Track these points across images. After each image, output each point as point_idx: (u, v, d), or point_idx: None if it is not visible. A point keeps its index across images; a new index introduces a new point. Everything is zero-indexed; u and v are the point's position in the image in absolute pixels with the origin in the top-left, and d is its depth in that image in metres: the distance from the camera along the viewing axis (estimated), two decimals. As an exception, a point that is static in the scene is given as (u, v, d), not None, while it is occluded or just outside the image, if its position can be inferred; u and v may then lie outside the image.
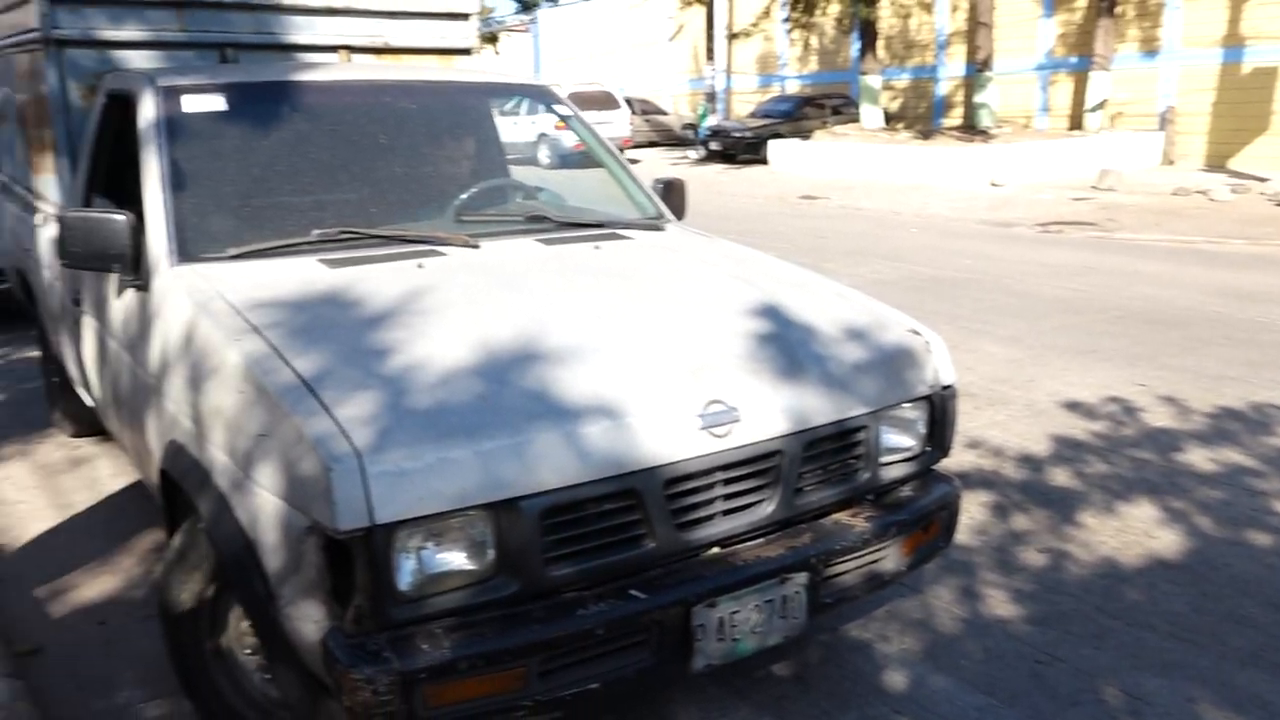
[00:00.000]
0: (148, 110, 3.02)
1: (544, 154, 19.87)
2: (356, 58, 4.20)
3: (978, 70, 20.01)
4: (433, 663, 1.91)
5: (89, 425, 4.78)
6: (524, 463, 2.00)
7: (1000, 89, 20.53)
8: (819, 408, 2.36)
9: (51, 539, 3.85)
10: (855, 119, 22.57)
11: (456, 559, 1.99)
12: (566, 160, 17.12)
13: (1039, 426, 4.96)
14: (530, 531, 2.01)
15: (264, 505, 2.02)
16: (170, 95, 3.04)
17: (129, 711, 2.76)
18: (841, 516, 2.48)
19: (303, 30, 4.10)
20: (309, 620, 2.00)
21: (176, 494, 2.63)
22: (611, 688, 2.13)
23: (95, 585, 3.46)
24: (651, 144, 27.29)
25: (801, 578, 2.31)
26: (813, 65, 27.65)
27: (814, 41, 27.07)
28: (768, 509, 2.31)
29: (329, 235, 2.85)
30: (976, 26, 19.92)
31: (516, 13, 30.70)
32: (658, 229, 3.38)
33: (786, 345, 2.49)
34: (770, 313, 2.62)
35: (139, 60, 3.84)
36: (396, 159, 3.30)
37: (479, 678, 1.97)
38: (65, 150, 3.76)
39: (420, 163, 3.37)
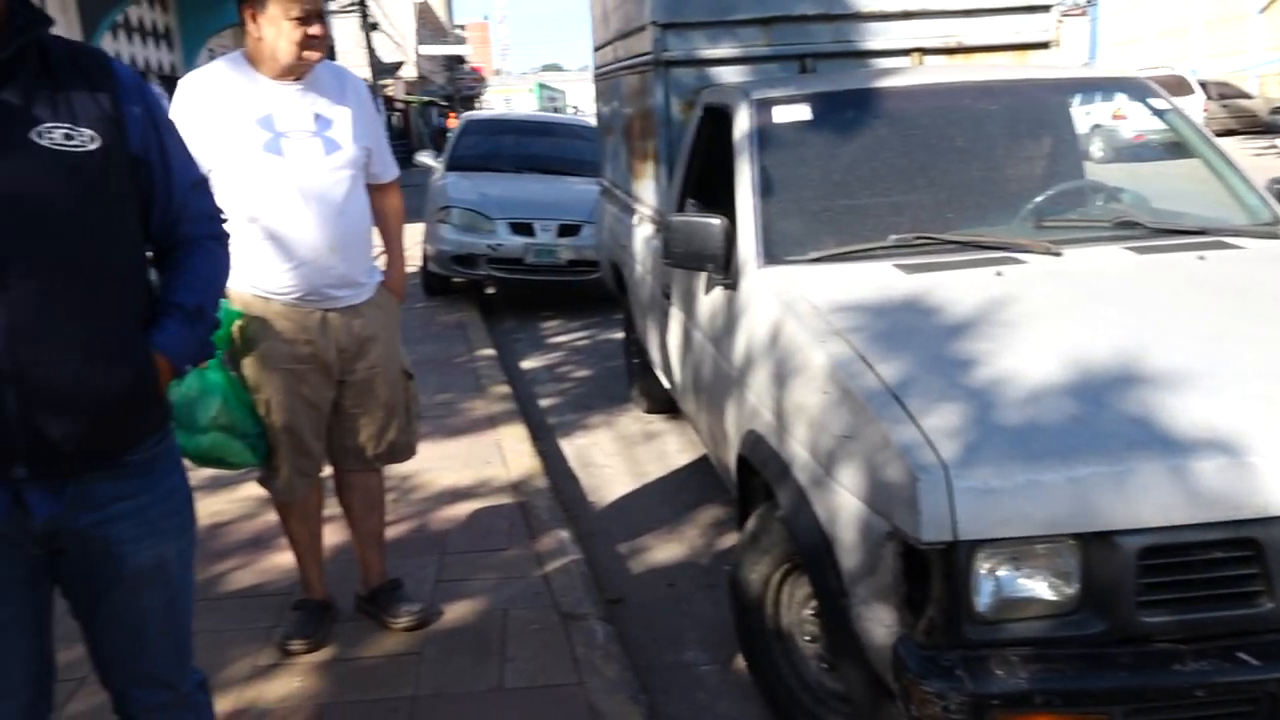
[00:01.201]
0: (742, 122, 3.27)
1: (1097, 147, 18.33)
2: (928, 59, 4.17)
3: None
4: (1008, 690, 1.84)
5: (661, 404, 5.36)
6: (1123, 495, 1.84)
7: None
8: None
9: (630, 502, 4.37)
10: None
11: (1038, 587, 1.90)
12: (1123, 154, 15.66)
13: None
14: (1124, 570, 1.84)
15: (844, 504, 2.09)
16: (763, 107, 3.26)
17: (693, 670, 3.03)
18: None
19: (877, 36, 4.16)
20: (879, 623, 2.03)
21: (750, 480, 2.83)
22: (1200, 756, 1.89)
23: (665, 549, 3.86)
24: (1230, 132, 23.89)
25: None
26: None
27: None
28: None
29: (904, 240, 2.87)
30: None
31: (1074, -5, 28.71)
32: (1276, 237, 2.93)
33: None
34: None
35: (728, 75, 4.18)
36: (972, 161, 3.22)
37: (1054, 715, 1.86)
38: (664, 159, 4.22)
39: (996, 165, 3.26)
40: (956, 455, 1.89)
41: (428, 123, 39.27)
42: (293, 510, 2.96)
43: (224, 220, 1.81)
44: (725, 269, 3.00)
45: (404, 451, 3.04)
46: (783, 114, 3.24)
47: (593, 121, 12.25)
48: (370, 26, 27.04)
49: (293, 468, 2.81)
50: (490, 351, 6.79)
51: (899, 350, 2.27)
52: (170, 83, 12.46)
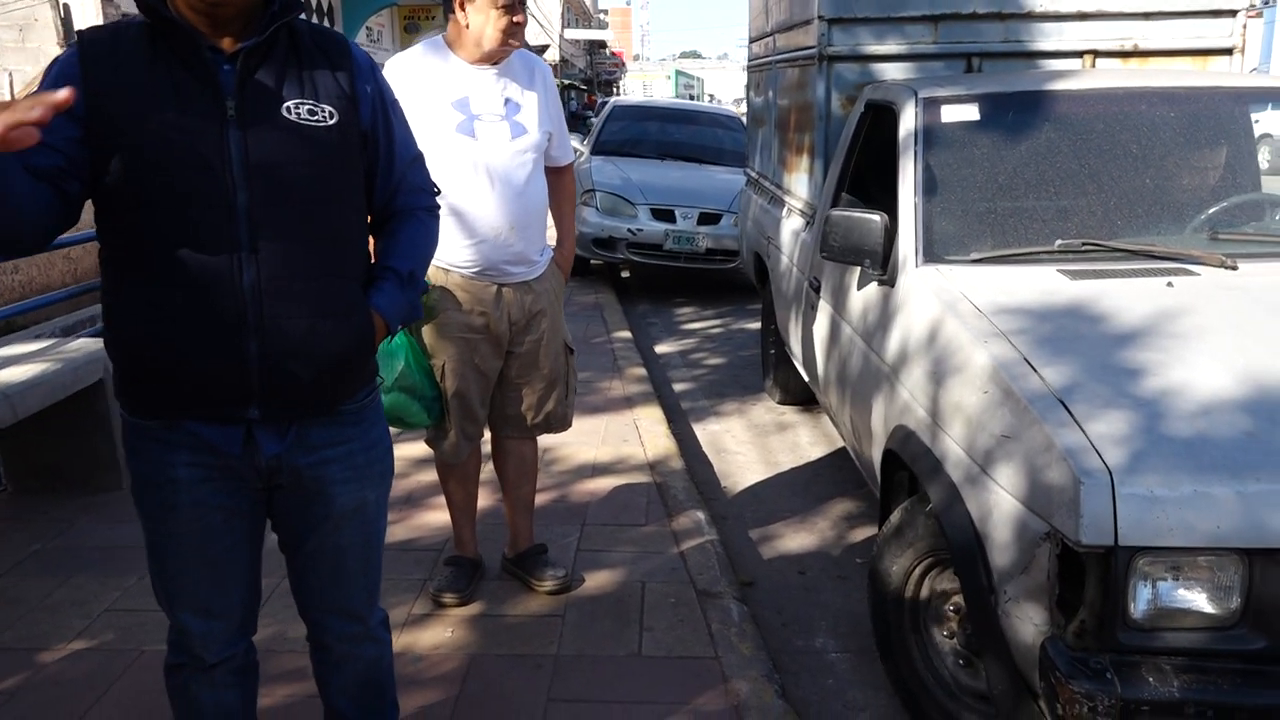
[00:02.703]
0: (908, 119, 3.28)
1: (1264, 157, 17.37)
2: (1101, 62, 4.08)
3: None
4: (1158, 698, 1.84)
5: (796, 396, 5.41)
6: (1296, 514, 1.82)
7: None
8: None
9: (762, 489, 4.43)
10: None
11: (1197, 599, 1.89)
12: (1294, 164, 14.81)
13: None
14: (1291, 590, 1.82)
15: (999, 503, 2.11)
16: (931, 106, 3.27)
17: (822, 656, 3.09)
18: None
19: (1048, 36, 4.10)
20: (1028, 621, 2.05)
21: (894, 474, 2.87)
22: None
23: (796, 538, 3.92)
24: None
25: None
26: None
27: None
28: None
29: (1071, 246, 2.85)
30: None
31: (1251, -3, 27.08)
32: None
33: None
34: None
35: (891, 71, 4.18)
36: (1144, 169, 3.16)
37: (1205, 729, 1.85)
38: (821, 153, 4.25)
39: (1169, 174, 3.19)
40: (1122, 462, 1.90)
41: (567, 105, 39.87)
42: (453, 471, 3.13)
43: (436, 194, 1.96)
44: (883, 265, 3.03)
45: (560, 423, 3.18)
46: (951, 113, 3.24)
47: (733, 110, 12.33)
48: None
49: (460, 431, 2.98)
50: (626, 334, 6.93)
51: (1064, 355, 2.27)
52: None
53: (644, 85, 67.79)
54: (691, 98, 67.10)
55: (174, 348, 1.62)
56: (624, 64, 63.87)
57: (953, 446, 2.36)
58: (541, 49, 32.83)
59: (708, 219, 8.45)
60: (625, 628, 2.98)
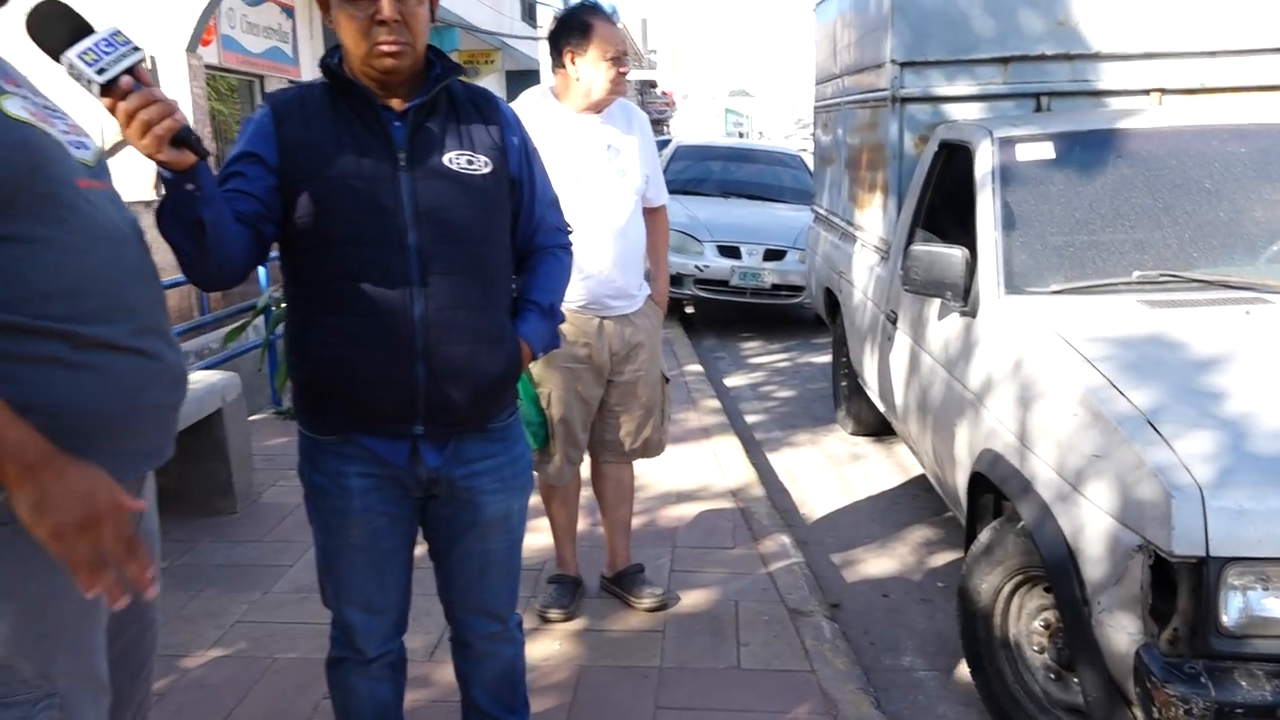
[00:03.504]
0: (984, 158, 3.44)
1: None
2: (1169, 99, 4.21)
3: None
4: (1252, 701, 1.96)
5: (869, 427, 5.53)
6: (1380, 526, 1.93)
7: None
8: None
9: (840, 517, 4.56)
10: None
11: (1286, 607, 2.01)
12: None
13: None
14: (1378, 599, 1.93)
15: (1091, 518, 2.25)
16: (1006, 145, 3.43)
17: (911, 674, 3.21)
18: None
19: (1116, 76, 4.24)
20: (1122, 631, 2.17)
21: (981, 496, 3.00)
22: None
23: (877, 563, 4.04)
24: None
25: None
26: None
27: None
28: None
29: (1149, 277, 2.98)
30: None
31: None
32: None
33: None
34: None
35: (961, 112, 4.35)
36: (1217, 203, 3.28)
37: (1296, 731, 1.96)
38: (894, 191, 4.42)
39: (1241, 207, 3.30)
40: (1211, 477, 2.02)
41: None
42: (556, 493, 3.32)
43: (569, 233, 2.17)
44: (964, 297, 3.18)
45: (656, 448, 3.36)
46: (1026, 152, 3.39)
47: (793, 149, 12.54)
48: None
49: (563, 455, 3.18)
50: (698, 368, 7.11)
51: (1149, 379, 2.40)
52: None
53: (694, 123, 68.43)
54: (741, 135, 67.61)
55: (353, 371, 1.83)
56: (674, 103, 64.56)
57: (1042, 467, 2.50)
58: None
59: (773, 255, 8.64)
60: (723, 642, 3.13)
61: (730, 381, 7.20)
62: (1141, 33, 4.22)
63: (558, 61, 2.99)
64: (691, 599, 3.43)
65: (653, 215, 3.28)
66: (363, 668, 2.07)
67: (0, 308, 1.34)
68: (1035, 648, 2.72)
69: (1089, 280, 3.04)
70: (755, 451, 5.43)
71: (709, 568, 3.69)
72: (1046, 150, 3.42)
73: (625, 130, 3.09)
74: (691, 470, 4.79)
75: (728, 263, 8.60)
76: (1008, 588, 2.73)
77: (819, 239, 6.30)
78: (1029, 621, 2.73)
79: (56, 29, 1.44)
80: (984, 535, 2.81)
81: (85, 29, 1.44)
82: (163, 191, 1.60)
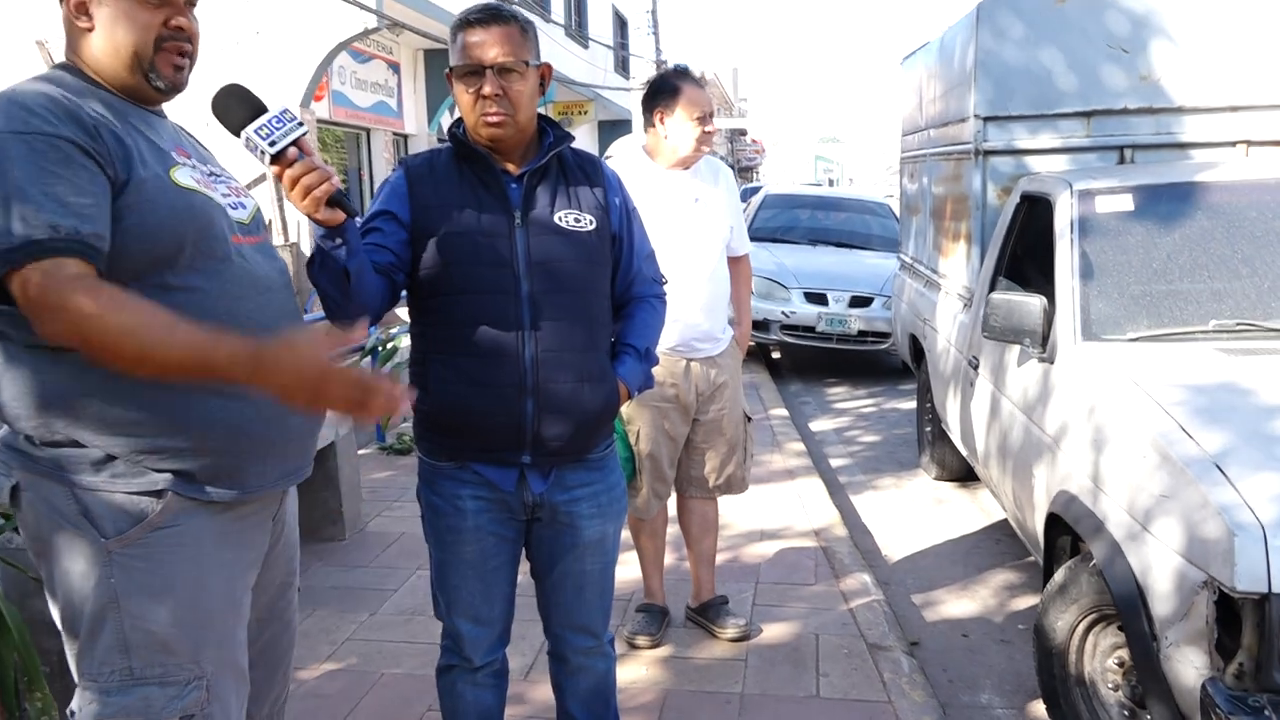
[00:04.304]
0: (1064, 210, 3.56)
1: None
2: (1255, 151, 4.25)
3: None
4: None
5: (952, 472, 5.60)
6: None
7: None
8: None
9: (921, 559, 4.64)
10: None
11: (1355, 645, 2.07)
12: None
13: None
14: None
15: (1159, 556, 2.34)
16: (1085, 197, 3.54)
17: (989, 711, 3.28)
18: None
19: (1201, 129, 4.30)
20: (1189, 664, 2.25)
21: (1058, 537, 3.09)
22: None
23: (958, 604, 4.11)
24: None
25: None
26: None
27: None
28: None
29: (1225, 326, 3.06)
30: None
31: None
32: None
33: None
34: None
35: (1044, 164, 4.45)
36: (1297, 254, 3.33)
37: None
38: (977, 240, 4.54)
39: (1323, 258, 3.35)
40: (1273, 517, 2.11)
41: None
42: (644, 526, 3.51)
43: (664, 284, 2.37)
44: (1042, 344, 3.29)
45: (739, 485, 3.52)
46: (1105, 204, 3.50)
47: (877, 196, 12.65)
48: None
49: (651, 490, 3.36)
50: (783, 411, 7.24)
51: (1218, 424, 2.49)
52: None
53: (784, 170, 68.80)
54: (831, 181, 67.58)
55: (470, 406, 2.05)
56: (763, 150, 64.96)
57: (1114, 507, 2.59)
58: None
59: (859, 302, 8.74)
60: (803, 673, 3.25)
61: (815, 426, 7.31)
62: (1227, 86, 4.29)
63: (649, 121, 3.23)
64: (773, 631, 3.56)
65: (736, 263, 3.47)
66: (470, 675, 2.27)
67: None
68: (1109, 685, 2.79)
69: (1165, 328, 3.13)
70: (838, 494, 5.54)
71: (790, 602, 3.82)
72: (1125, 202, 3.52)
73: (712, 184, 3.30)
74: (776, 510, 4.93)
75: (814, 309, 8.73)
76: (1082, 626, 2.81)
77: (905, 286, 6.41)
78: (1103, 659, 2.80)
79: (237, 109, 1.71)
80: (1059, 575, 2.90)
81: (261, 108, 1.71)
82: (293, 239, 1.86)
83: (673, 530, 3.68)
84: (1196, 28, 4.30)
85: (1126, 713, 2.73)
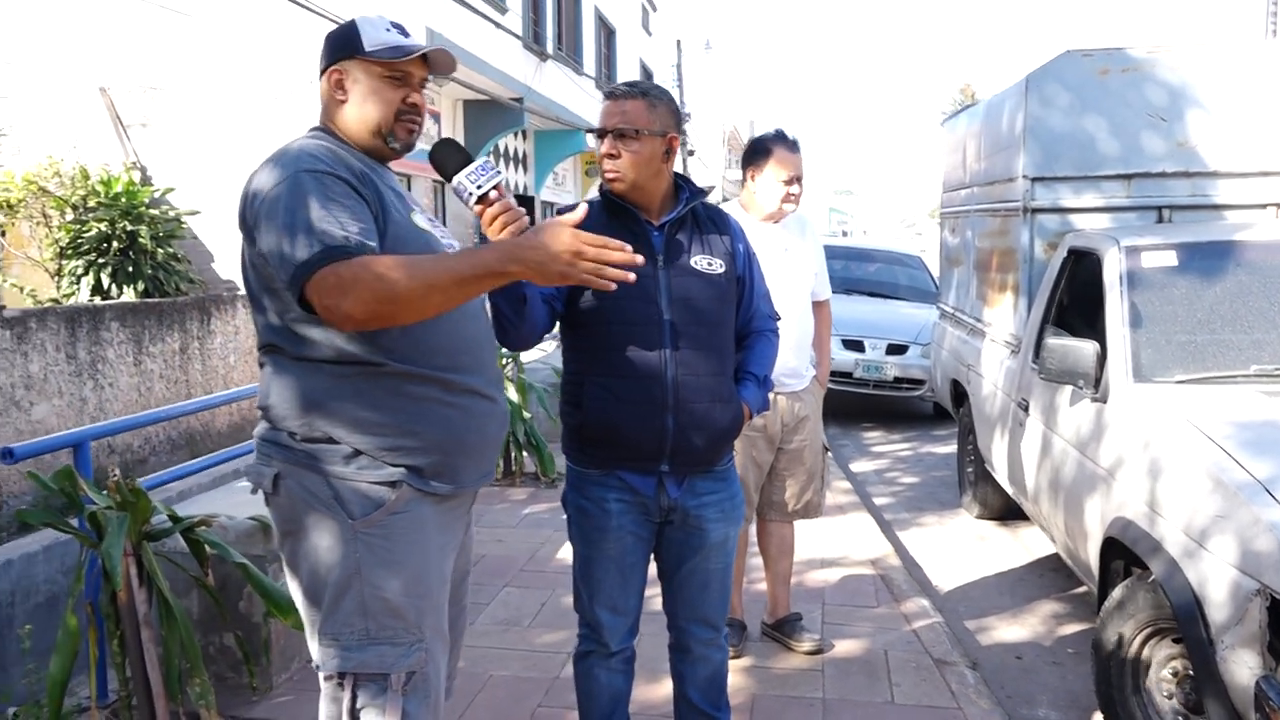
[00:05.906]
0: (1113, 263, 3.90)
1: None
2: None
3: None
4: (1360, 724, 2.31)
5: (994, 511, 5.88)
6: None
7: None
8: None
9: (970, 589, 4.91)
10: None
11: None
12: None
13: None
14: None
15: (1214, 569, 2.64)
16: (1133, 253, 3.89)
17: (1046, 724, 3.56)
18: None
19: (1234, 191, 4.65)
20: (1243, 665, 2.54)
21: (1112, 561, 3.38)
22: None
23: (1009, 629, 4.39)
24: None
25: None
26: None
27: None
28: None
29: (1266, 371, 3.38)
30: None
31: None
32: None
33: None
34: None
35: (1087, 221, 4.80)
36: (1329, 307, 3.66)
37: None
38: (1025, 292, 4.88)
39: (1353, 311, 3.67)
40: (1319, 533, 2.42)
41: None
42: (727, 546, 3.81)
43: (778, 319, 2.72)
44: (1095, 385, 3.61)
45: (815, 510, 3.84)
46: (1151, 259, 3.84)
47: (906, 248, 13.02)
48: (688, 153, 29.56)
49: (737, 511, 3.68)
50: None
51: (1265, 454, 2.80)
52: (522, 200, 14.71)
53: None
54: (844, 233, 68.19)
55: (618, 421, 2.39)
56: (781, 201, 65.39)
57: (1170, 529, 2.90)
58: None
59: (895, 349, 9.08)
60: (876, 682, 3.54)
61: (856, 467, 7.60)
62: (1258, 152, 4.64)
63: (744, 178, 3.60)
64: (844, 647, 3.85)
65: (818, 307, 3.82)
66: (605, 660, 2.58)
67: (402, 359, 1.94)
68: (1165, 694, 3.07)
69: (1210, 371, 3.45)
70: (886, 529, 5.82)
71: (857, 623, 4.11)
72: (1170, 258, 3.86)
73: (799, 237, 3.66)
74: (831, 541, 5.22)
75: (851, 355, 9.07)
76: (1138, 639, 3.10)
77: (945, 334, 6.74)
78: (1159, 670, 3.08)
79: (452, 159, 2.06)
80: (1116, 592, 3.19)
81: (469, 158, 2.06)
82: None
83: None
84: (1229, 98, 4.67)
85: (1181, 718, 3.01)
